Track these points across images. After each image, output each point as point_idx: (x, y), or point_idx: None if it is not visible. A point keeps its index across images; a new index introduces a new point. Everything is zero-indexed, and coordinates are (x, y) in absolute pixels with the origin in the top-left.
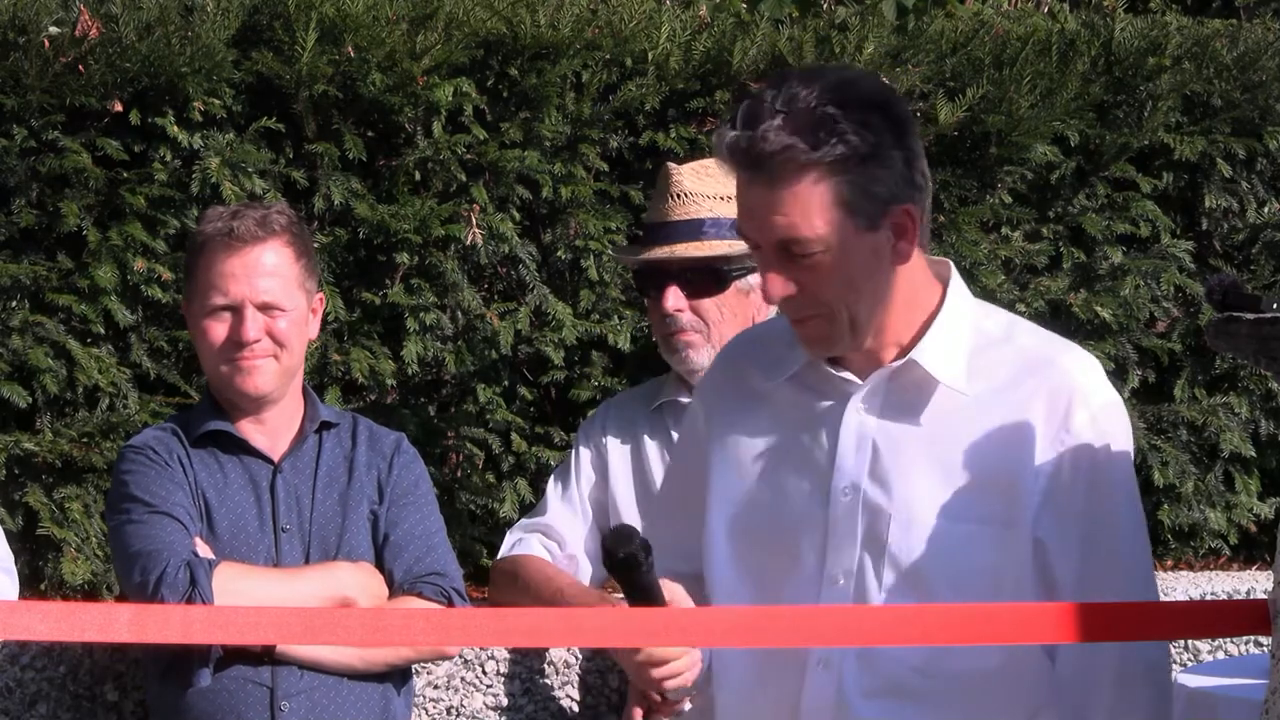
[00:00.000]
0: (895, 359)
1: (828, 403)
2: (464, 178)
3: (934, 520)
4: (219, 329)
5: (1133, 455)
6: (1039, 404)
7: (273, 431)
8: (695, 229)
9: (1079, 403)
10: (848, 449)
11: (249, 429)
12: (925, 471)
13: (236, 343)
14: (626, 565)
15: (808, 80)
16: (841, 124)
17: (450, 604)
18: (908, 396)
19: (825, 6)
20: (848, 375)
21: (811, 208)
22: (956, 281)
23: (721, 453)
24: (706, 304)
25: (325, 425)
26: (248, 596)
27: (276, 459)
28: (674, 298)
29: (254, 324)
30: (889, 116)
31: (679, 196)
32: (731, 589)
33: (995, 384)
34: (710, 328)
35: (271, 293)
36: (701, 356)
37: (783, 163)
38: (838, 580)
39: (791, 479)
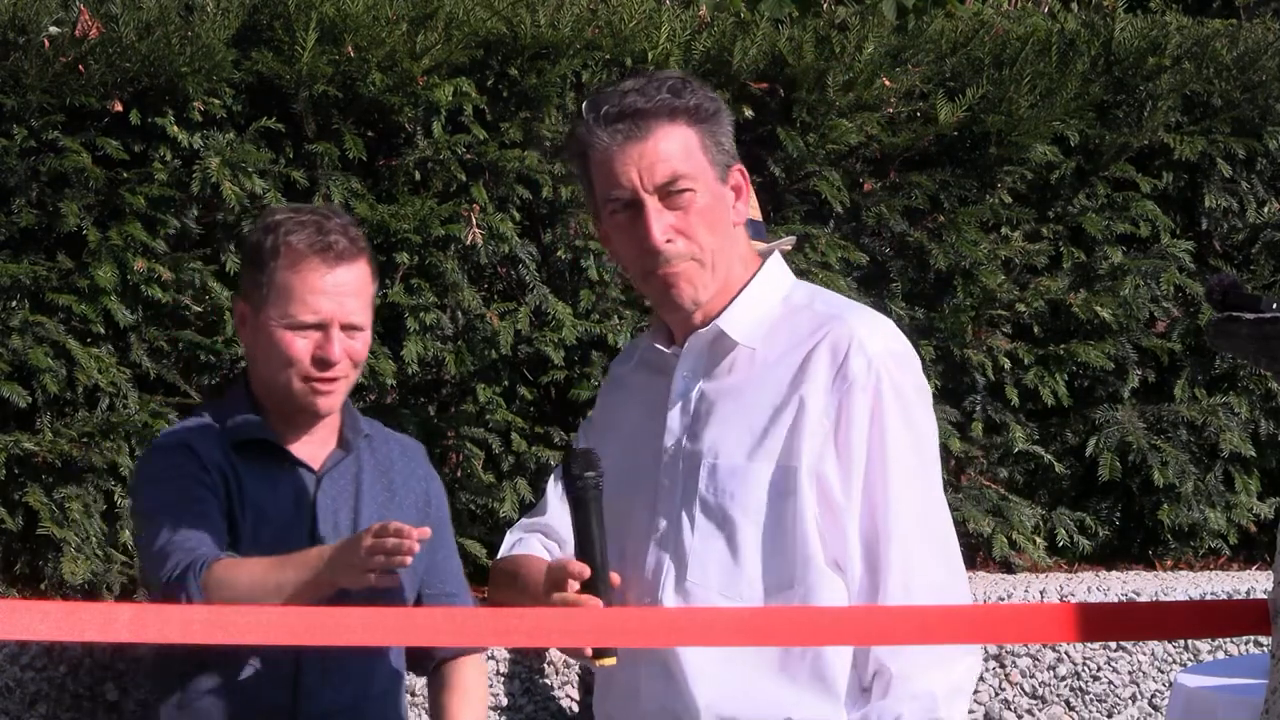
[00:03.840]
0: (701, 326)
1: (662, 376)
2: (464, 178)
3: (731, 463)
4: (302, 345)
5: (920, 400)
6: (822, 353)
7: (317, 440)
8: None
9: (855, 350)
10: (673, 411)
11: (293, 438)
12: (728, 422)
13: (321, 361)
14: (578, 492)
15: (632, 78)
16: (691, 84)
17: None
18: (716, 359)
19: (825, 6)
20: (673, 349)
21: (685, 148)
22: (773, 263)
23: (604, 444)
24: None
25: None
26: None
27: (318, 468)
28: None
29: (340, 345)
30: (713, 96)
31: None
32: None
33: (791, 341)
34: None
35: (357, 313)
36: None
37: (656, 111)
38: (659, 528)
39: (635, 447)
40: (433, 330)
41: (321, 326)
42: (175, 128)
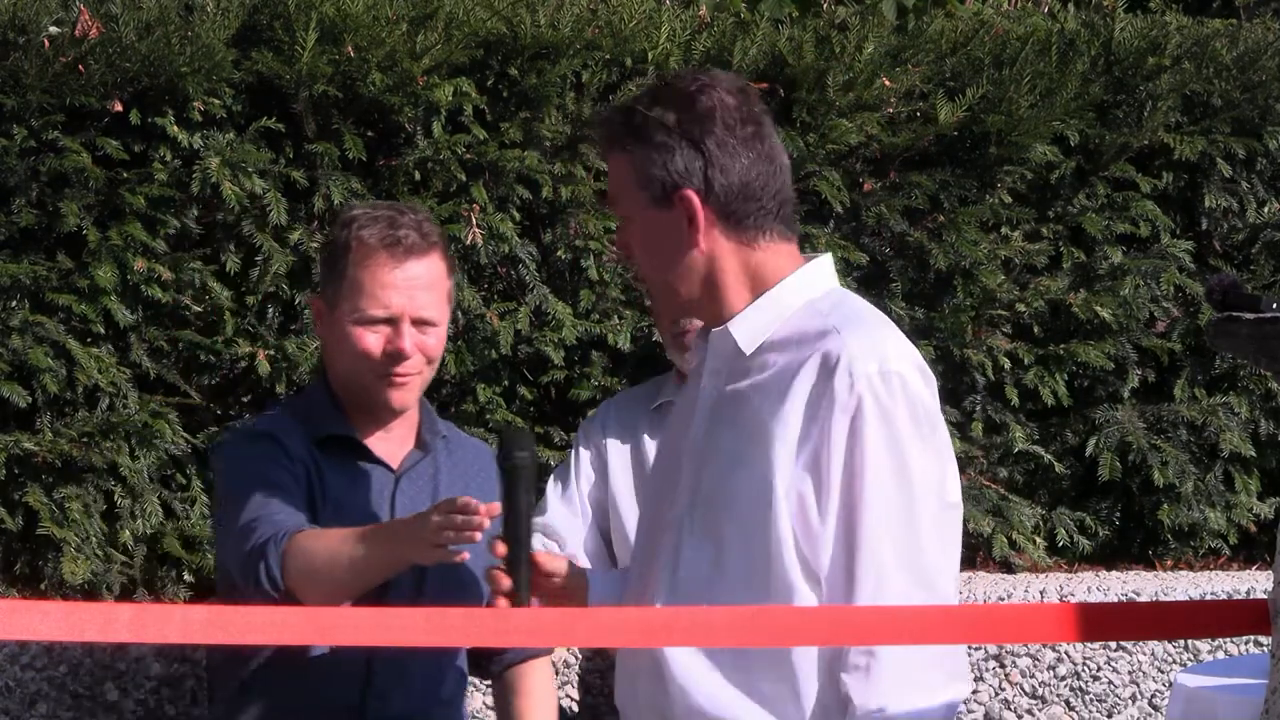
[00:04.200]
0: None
1: (693, 385)
2: (464, 178)
3: (724, 468)
4: (373, 340)
5: (913, 427)
6: (809, 368)
7: (396, 439)
8: None
9: (842, 369)
10: (699, 407)
11: (371, 435)
12: (729, 425)
13: (392, 356)
14: (507, 470)
15: (653, 83)
16: (639, 112)
17: None
18: (730, 359)
19: (825, 6)
20: (700, 344)
21: (617, 177)
22: (816, 264)
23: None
24: None
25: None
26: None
27: (397, 467)
28: None
29: (410, 339)
30: (688, 112)
31: None
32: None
33: (791, 351)
34: None
35: (428, 307)
36: None
37: (604, 137)
38: (670, 526)
39: (674, 439)
40: None
41: (392, 321)
42: (175, 128)
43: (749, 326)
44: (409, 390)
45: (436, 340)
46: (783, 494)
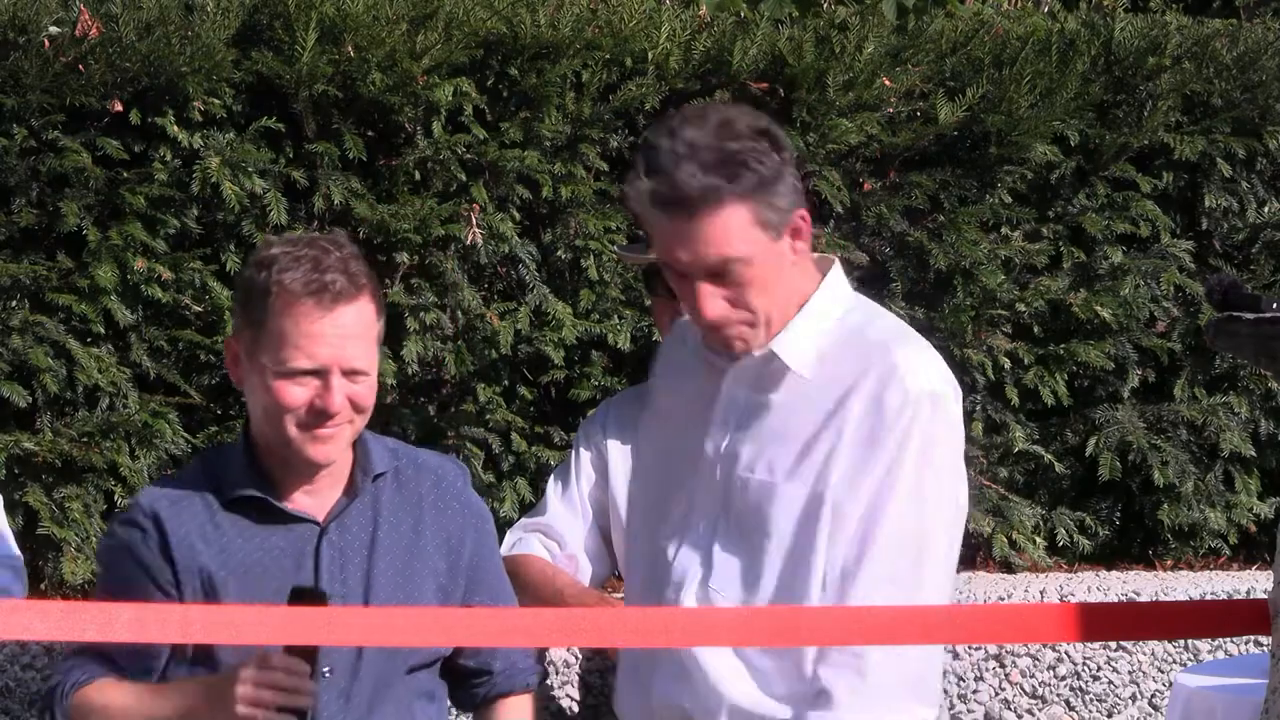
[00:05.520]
0: (761, 345)
1: (714, 378)
2: (464, 177)
3: (765, 480)
4: (297, 393)
5: (947, 448)
6: (863, 385)
7: (324, 487)
8: None
9: (895, 387)
10: (717, 418)
11: (295, 487)
12: (768, 439)
13: (319, 412)
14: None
15: (695, 123)
16: (744, 155)
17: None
18: (765, 376)
19: (825, 6)
20: (723, 359)
21: (735, 232)
22: (833, 276)
23: (645, 443)
24: None
25: (376, 476)
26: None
27: (322, 519)
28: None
29: (340, 393)
30: (773, 141)
31: None
32: (632, 549)
33: (838, 369)
34: None
35: (358, 357)
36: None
37: (704, 198)
38: (697, 527)
39: (678, 446)
40: (433, 330)
41: (320, 373)
42: (175, 128)
43: (795, 342)
44: (334, 444)
45: (368, 389)
46: (829, 509)
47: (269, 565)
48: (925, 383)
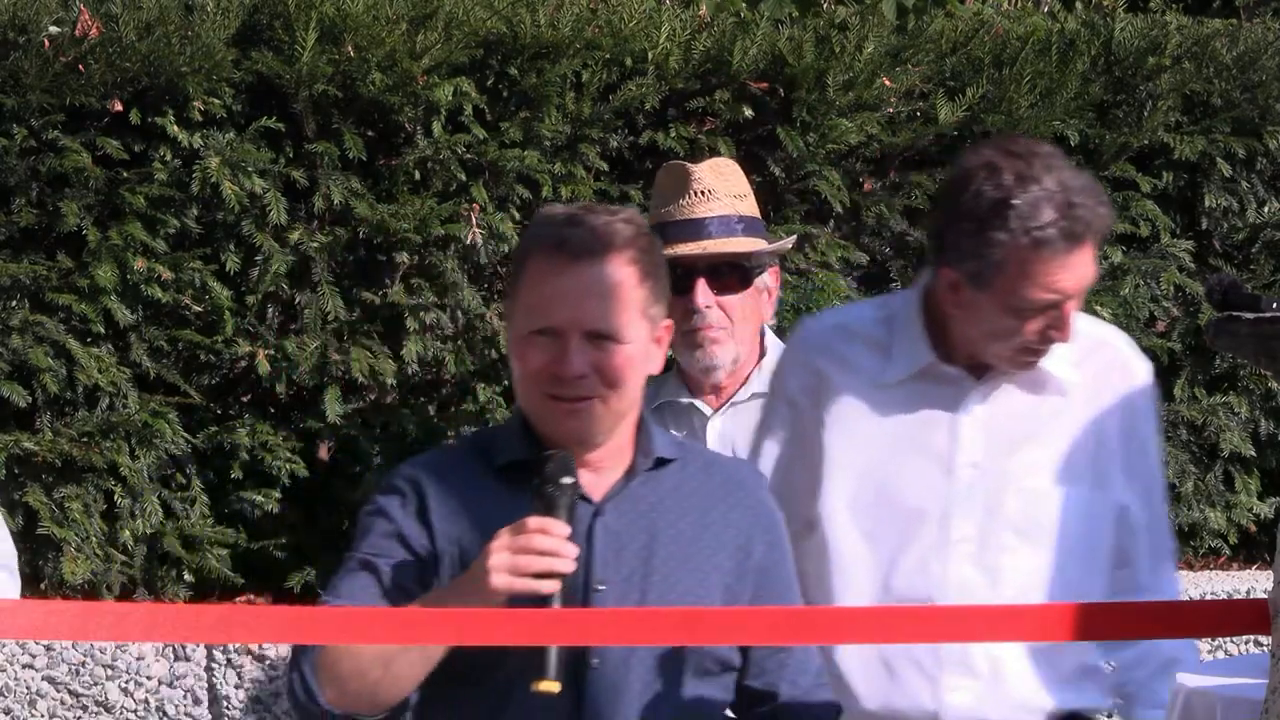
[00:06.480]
0: None
1: (946, 393)
2: (464, 177)
3: (1039, 487)
4: (536, 355)
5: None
6: (1109, 379)
7: (596, 466)
8: (727, 225)
9: (1134, 376)
10: (968, 431)
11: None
12: (1032, 446)
13: (556, 376)
14: (550, 495)
15: (1060, 165)
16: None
17: None
18: (1016, 383)
19: (825, 6)
20: (963, 372)
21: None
22: None
23: (842, 438)
24: (732, 300)
25: (660, 461)
26: None
27: (598, 498)
28: (704, 293)
29: (579, 357)
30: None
31: (703, 194)
32: (852, 556)
33: (1076, 365)
34: (734, 325)
35: (604, 320)
36: (725, 353)
37: (1095, 230)
38: (961, 545)
39: (913, 459)
40: (433, 330)
41: (554, 334)
42: (175, 127)
43: (1060, 357)
44: (581, 420)
45: (623, 360)
46: (1108, 501)
47: None
48: (1145, 363)
